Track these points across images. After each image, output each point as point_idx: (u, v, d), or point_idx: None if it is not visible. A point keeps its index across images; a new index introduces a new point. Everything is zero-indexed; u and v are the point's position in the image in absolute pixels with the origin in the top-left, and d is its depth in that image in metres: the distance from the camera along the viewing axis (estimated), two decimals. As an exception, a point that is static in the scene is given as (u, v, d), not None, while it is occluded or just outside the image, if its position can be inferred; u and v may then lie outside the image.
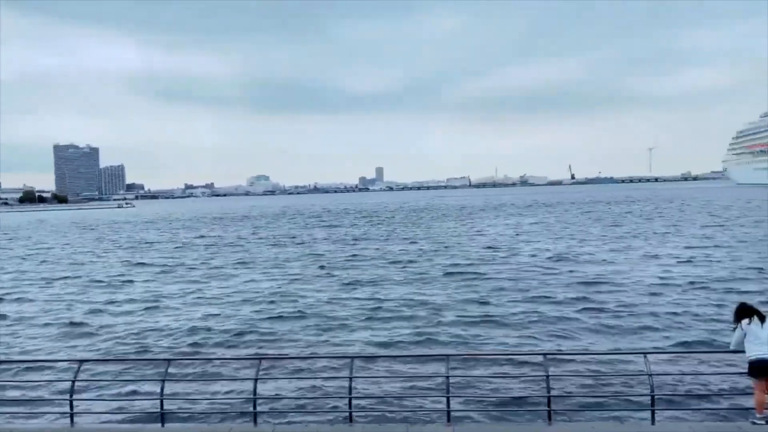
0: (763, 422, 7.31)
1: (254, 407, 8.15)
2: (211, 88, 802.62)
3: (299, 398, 10.50)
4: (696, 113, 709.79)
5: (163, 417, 8.24)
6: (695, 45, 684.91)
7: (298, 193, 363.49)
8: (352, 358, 8.98)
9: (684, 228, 42.38)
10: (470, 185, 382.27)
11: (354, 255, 32.53)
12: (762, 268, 23.04)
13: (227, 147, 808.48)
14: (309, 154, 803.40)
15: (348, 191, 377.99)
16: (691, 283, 20.49)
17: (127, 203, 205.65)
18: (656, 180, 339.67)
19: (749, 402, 7.96)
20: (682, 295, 18.57)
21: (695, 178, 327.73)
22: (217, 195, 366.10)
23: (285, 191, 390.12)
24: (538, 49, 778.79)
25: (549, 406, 7.92)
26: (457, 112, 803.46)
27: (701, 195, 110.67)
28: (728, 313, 15.74)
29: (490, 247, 34.01)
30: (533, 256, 29.49)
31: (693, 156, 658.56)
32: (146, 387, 11.16)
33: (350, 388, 8.18)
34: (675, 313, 16.13)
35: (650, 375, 7.78)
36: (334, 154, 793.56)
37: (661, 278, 21.66)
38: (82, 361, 9.21)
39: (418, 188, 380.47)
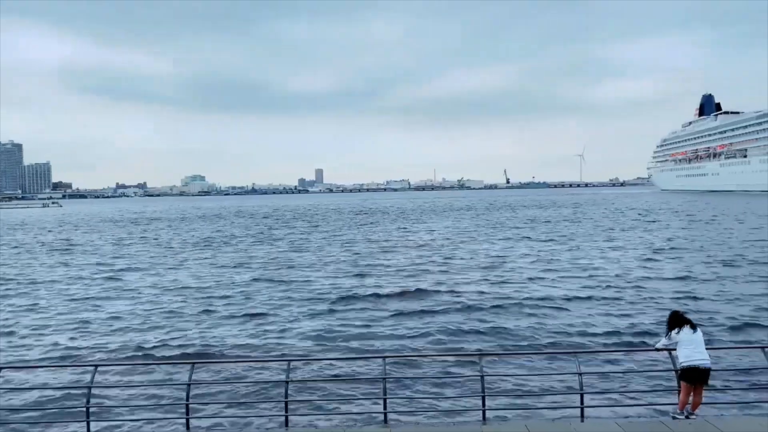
0: (682, 416, 7.78)
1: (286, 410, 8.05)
2: (147, 85, 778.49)
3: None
4: (624, 122, 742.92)
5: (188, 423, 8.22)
6: (624, 57, 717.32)
7: (235, 194, 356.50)
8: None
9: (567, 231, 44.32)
10: (410, 188, 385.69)
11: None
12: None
13: (162, 146, 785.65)
14: (247, 155, 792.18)
15: (287, 192, 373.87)
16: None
17: (53, 202, 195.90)
18: (587, 185, 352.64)
19: (672, 399, 8.38)
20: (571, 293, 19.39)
21: (622, 184, 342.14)
22: (151, 195, 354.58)
23: (221, 192, 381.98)
24: (477, 55, 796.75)
25: (483, 405, 8.05)
26: (398, 116, 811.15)
27: (614, 199, 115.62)
28: (640, 311, 16.76)
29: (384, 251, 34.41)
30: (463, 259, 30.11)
31: (621, 162, 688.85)
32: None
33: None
34: (600, 315, 16.79)
35: (580, 374, 8.04)
36: (273, 154, 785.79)
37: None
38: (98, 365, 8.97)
39: (358, 190, 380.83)
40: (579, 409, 8.05)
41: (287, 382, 8.15)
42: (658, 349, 8.44)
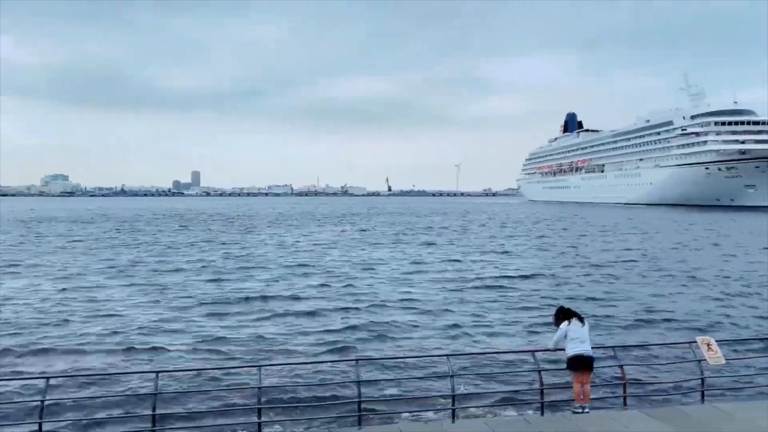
0: (580, 410, 8.19)
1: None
2: (17, 77, 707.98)
3: None
4: (498, 136, 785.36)
5: None
6: (500, 74, 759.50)
7: (102, 195, 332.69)
8: (357, 360, 8.96)
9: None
10: (292, 193, 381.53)
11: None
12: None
13: (21, 141, 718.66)
14: (117, 154, 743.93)
15: (160, 195, 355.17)
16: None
17: None
18: (462, 194, 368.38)
19: (534, 397, 8.86)
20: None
21: (494, 194, 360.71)
22: (5, 195, 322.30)
23: (86, 193, 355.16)
24: (362, 64, 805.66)
25: (359, 410, 8.08)
26: (281, 119, 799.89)
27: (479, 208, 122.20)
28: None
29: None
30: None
31: (494, 174, 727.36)
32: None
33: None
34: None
35: (452, 376, 8.28)
36: (147, 154, 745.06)
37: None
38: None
39: (238, 194, 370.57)
40: (451, 411, 8.29)
41: (260, 388, 8.14)
42: (555, 349, 8.71)
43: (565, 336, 8.35)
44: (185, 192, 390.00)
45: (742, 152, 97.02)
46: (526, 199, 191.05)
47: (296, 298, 20.85)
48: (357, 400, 8.08)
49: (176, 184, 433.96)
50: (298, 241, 44.42)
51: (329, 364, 12.45)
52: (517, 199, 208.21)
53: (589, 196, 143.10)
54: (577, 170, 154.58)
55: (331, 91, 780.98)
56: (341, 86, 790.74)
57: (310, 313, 18.20)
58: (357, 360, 8.88)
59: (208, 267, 28.99)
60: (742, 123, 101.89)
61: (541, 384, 8.42)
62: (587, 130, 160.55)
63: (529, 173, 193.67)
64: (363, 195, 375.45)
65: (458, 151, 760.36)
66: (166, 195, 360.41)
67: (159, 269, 28.08)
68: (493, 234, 52.37)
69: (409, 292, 21.84)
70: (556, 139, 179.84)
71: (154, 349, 14.04)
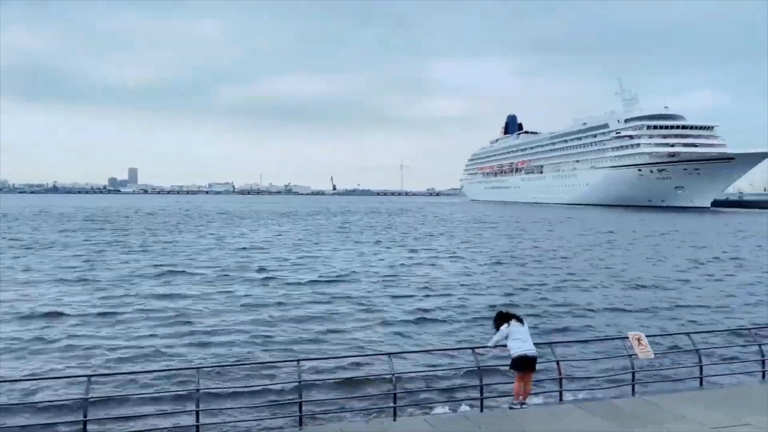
0: (518, 406, 8.41)
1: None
2: None
3: None
4: (442, 136, 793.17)
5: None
6: (445, 76, 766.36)
7: (32, 193, 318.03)
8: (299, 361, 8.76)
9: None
10: (234, 192, 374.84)
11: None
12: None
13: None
14: (49, 149, 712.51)
15: (95, 192, 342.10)
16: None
17: None
18: (407, 194, 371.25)
19: (473, 394, 9.00)
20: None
21: (438, 194, 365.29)
22: None
23: (14, 189, 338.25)
24: (307, 63, 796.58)
25: (300, 410, 8.04)
26: (223, 117, 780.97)
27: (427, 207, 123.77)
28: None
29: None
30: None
31: (438, 174, 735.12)
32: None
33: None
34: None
35: (393, 375, 8.33)
36: (80, 150, 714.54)
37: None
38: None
39: (177, 192, 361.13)
40: (392, 409, 8.32)
41: (198, 390, 7.96)
42: (495, 346, 8.91)
43: (507, 337, 8.55)
44: (122, 189, 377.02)
45: (672, 155, 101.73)
46: (468, 198, 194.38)
47: (234, 295, 20.48)
48: (298, 400, 8.03)
49: (112, 181, 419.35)
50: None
51: (269, 364, 12.27)
52: (459, 199, 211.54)
53: (528, 197, 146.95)
54: (517, 171, 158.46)
55: (275, 89, 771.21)
56: (285, 84, 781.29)
57: (252, 311, 17.94)
58: (298, 361, 8.79)
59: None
60: (672, 127, 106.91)
61: (481, 381, 8.57)
62: (527, 132, 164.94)
63: (471, 173, 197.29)
64: (307, 194, 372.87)
65: (403, 151, 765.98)
66: (101, 192, 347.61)
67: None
68: (430, 231, 53.08)
69: (349, 293, 21.82)
70: (497, 140, 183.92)
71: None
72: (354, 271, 27.03)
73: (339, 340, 15.04)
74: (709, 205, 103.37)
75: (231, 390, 10.87)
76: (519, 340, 8.48)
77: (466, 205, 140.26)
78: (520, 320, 8.74)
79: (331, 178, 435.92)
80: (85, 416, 7.44)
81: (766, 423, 7.60)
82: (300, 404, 8.03)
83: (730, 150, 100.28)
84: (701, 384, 9.85)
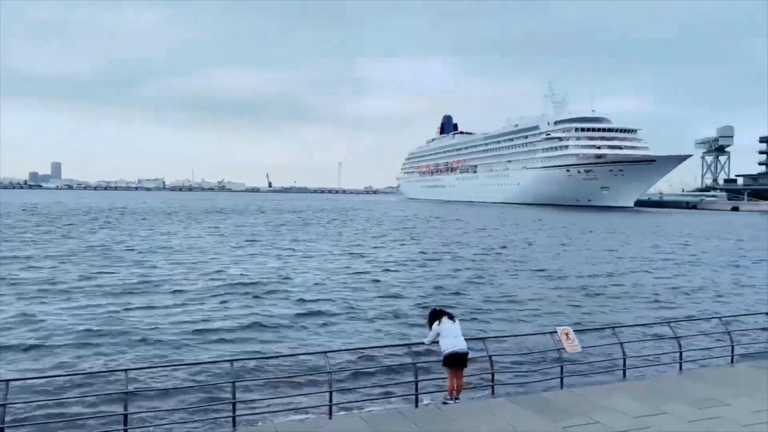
0: (451, 401, 8.55)
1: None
2: None
3: None
4: (380, 135, 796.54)
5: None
6: (383, 75, 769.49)
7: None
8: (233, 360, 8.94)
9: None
10: (165, 188, 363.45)
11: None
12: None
13: None
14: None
15: (14, 188, 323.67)
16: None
17: None
18: (344, 192, 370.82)
19: (408, 390, 9.10)
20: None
21: (375, 192, 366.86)
22: None
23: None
24: (243, 58, 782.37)
25: (234, 411, 7.91)
26: (152, 110, 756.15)
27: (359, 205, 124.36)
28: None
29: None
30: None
31: (375, 172, 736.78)
32: None
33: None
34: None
35: (329, 372, 8.31)
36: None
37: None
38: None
39: (105, 188, 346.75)
40: (328, 407, 8.29)
41: (126, 393, 7.57)
42: (431, 343, 8.99)
43: (439, 334, 8.69)
44: (44, 185, 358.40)
45: (599, 156, 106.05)
46: (405, 196, 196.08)
47: (175, 292, 19.90)
48: (232, 400, 7.87)
49: (33, 176, 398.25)
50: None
51: (202, 365, 11.99)
52: (396, 197, 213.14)
53: (463, 196, 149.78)
54: (452, 170, 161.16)
55: (211, 84, 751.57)
56: (221, 80, 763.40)
57: (186, 311, 17.49)
58: (232, 361, 8.62)
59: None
60: (599, 130, 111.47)
61: (416, 377, 8.67)
62: (462, 132, 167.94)
63: (408, 172, 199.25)
64: (241, 191, 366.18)
65: (341, 148, 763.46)
66: (21, 188, 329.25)
67: None
68: (364, 227, 53.27)
69: (282, 289, 21.61)
70: (433, 140, 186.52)
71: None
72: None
73: (273, 338, 14.86)
74: (632, 204, 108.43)
75: (162, 390, 10.57)
76: (450, 337, 8.63)
77: (403, 203, 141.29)
78: (451, 317, 8.90)
79: (267, 175, 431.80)
80: None
81: (682, 410, 8.06)
82: (234, 404, 7.89)
83: (651, 152, 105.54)
84: (624, 376, 10.32)
